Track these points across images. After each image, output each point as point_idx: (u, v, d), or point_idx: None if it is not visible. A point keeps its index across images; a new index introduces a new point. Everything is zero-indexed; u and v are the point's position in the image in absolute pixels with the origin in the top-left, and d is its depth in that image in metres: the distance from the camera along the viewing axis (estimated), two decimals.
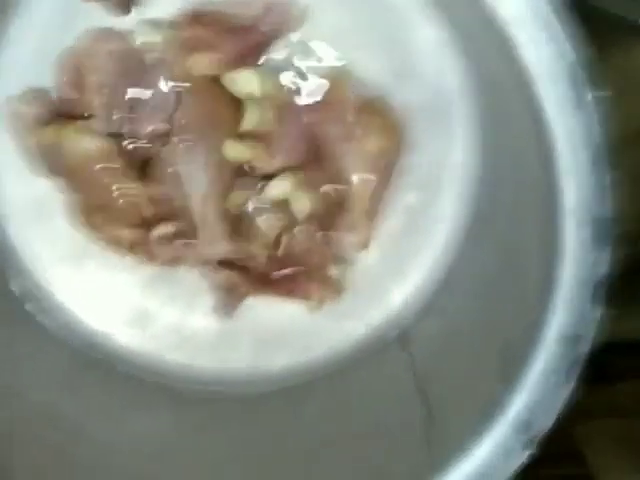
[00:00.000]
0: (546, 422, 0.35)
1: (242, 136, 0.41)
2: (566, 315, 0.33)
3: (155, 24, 0.40)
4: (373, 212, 0.43)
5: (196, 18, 0.40)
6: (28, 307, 0.45)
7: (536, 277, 0.34)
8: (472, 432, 0.36)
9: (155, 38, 0.40)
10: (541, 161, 0.33)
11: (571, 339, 0.34)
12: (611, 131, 0.54)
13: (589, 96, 0.30)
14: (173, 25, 0.40)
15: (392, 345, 0.45)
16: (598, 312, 0.33)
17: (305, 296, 0.45)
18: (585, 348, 0.34)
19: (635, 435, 0.51)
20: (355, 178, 0.42)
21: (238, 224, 0.43)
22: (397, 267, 0.45)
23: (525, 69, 0.31)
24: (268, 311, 0.46)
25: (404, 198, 0.44)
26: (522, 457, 0.35)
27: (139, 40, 0.40)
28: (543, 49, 0.30)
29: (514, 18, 0.30)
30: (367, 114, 0.42)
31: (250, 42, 0.40)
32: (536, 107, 0.31)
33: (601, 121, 0.31)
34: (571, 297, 0.33)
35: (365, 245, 0.44)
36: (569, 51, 0.30)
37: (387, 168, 0.43)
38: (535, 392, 0.35)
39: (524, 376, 0.35)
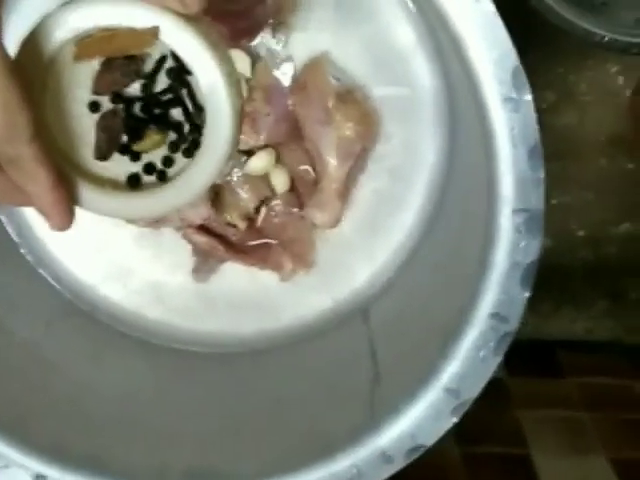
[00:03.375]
0: (473, 390, 0.38)
1: None
2: (497, 295, 0.37)
3: None
4: (345, 193, 0.47)
5: None
6: (23, 252, 0.49)
7: (476, 259, 0.38)
8: (410, 394, 0.39)
9: None
10: (487, 155, 0.36)
11: (500, 317, 0.37)
12: (581, 139, 0.57)
13: (528, 97, 0.34)
14: None
15: (354, 317, 0.48)
16: (526, 294, 0.37)
17: (277, 266, 0.49)
18: (513, 327, 0.37)
19: (575, 424, 0.55)
20: (331, 160, 0.46)
21: (221, 193, 0.47)
22: (365, 247, 0.48)
23: (473, 70, 0.34)
24: (243, 279, 0.49)
25: (376, 183, 0.47)
26: (450, 422, 0.38)
27: None
28: (488, 52, 0.34)
29: (462, 21, 0.34)
30: (346, 102, 0.45)
31: (242, 26, 0.44)
32: (482, 105, 0.35)
33: (537, 121, 0.34)
34: (502, 279, 0.37)
35: (335, 224, 0.47)
36: (511, 55, 0.33)
37: (361, 153, 0.46)
38: (466, 363, 0.38)
39: (457, 348, 0.38)
